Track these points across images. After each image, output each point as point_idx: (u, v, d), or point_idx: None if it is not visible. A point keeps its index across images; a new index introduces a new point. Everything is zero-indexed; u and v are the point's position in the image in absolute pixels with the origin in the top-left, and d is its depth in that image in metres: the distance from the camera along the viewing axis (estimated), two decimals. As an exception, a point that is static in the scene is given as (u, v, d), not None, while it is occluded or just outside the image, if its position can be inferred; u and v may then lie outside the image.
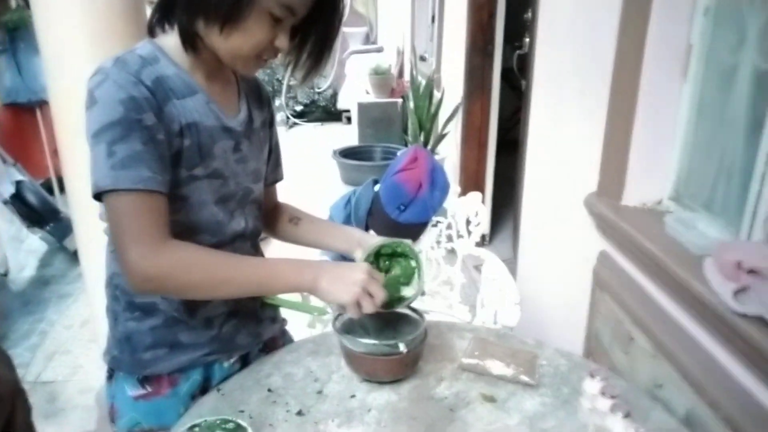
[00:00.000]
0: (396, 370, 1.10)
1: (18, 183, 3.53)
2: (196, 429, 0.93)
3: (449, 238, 2.09)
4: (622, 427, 0.92)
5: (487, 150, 3.60)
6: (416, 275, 1.12)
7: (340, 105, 7.16)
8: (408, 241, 1.13)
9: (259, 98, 1.15)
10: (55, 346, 2.82)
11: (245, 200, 1.10)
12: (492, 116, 3.54)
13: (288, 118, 7.29)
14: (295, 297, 1.42)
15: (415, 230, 1.86)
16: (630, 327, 1.39)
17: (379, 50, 6.69)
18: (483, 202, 2.06)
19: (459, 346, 1.22)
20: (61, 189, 3.86)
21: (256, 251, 1.19)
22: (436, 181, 1.81)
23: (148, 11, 1.97)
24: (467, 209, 2.01)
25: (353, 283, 0.98)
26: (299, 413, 1.02)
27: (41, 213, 3.62)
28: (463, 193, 2.10)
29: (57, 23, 1.77)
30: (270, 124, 1.19)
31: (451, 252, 2.09)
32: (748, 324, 0.99)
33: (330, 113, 7.42)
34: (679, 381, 1.17)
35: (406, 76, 5.58)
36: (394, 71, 5.63)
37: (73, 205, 1.99)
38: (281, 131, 1.21)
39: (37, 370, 2.63)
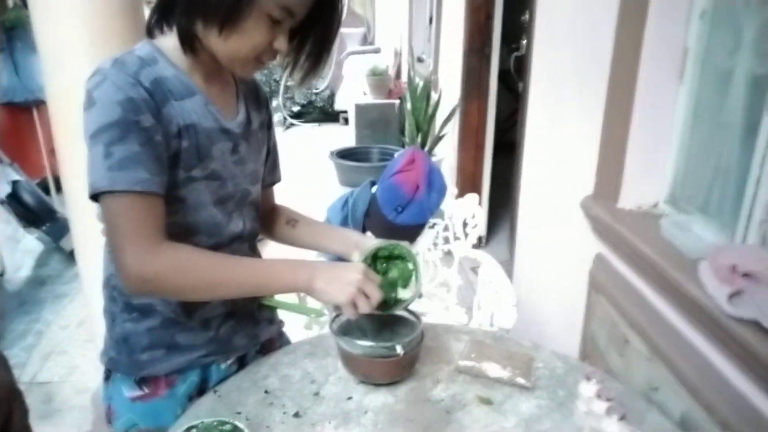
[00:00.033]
0: (393, 372, 1.10)
1: (14, 183, 3.52)
2: (193, 430, 0.93)
3: (446, 240, 2.10)
4: (617, 429, 0.92)
5: (484, 152, 3.61)
6: (413, 278, 1.12)
7: (338, 106, 7.16)
8: (405, 244, 1.13)
9: (258, 100, 1.16)
10: (51, 346, 2.82)
11: (243, 202, 1.10)
12: (489, 118, 3.54)
13: (285, 118, 7.29)
14: (292, 299, 1.42)
15: (412, 232, 1.86)
16: (626, 330, 1.40)
17: (377, 51, 6.70)
18: (480, 203, 2.06)
19: (456, 348, 1.22)
20: (58, 189, 3.86)
21: (254, 253, 1.19)
22: (434, 183, 1.81)
23: (146, 11, 1.98)
24: (464, 211, 2.02)
25: (349, 283, 0.98)
26: (296, 415, 1.03)
27: (37, 213, 3.61)
28: (460, 194, 2.11)
29: (55, 23, 1.77)
30: (268, 125, 1.19)
31: (448, 254, 2.10)
32: (742, 327, 0.99)
33: (327, 114, 7.41)
34: (675, 384, 1.18)
35: (404, 78, 5.57)
36: (392, 72, 5.64)
37: (70, 205, 1.99)
38: (278, 132, 1.21)
39: (33, 371, 2.63)
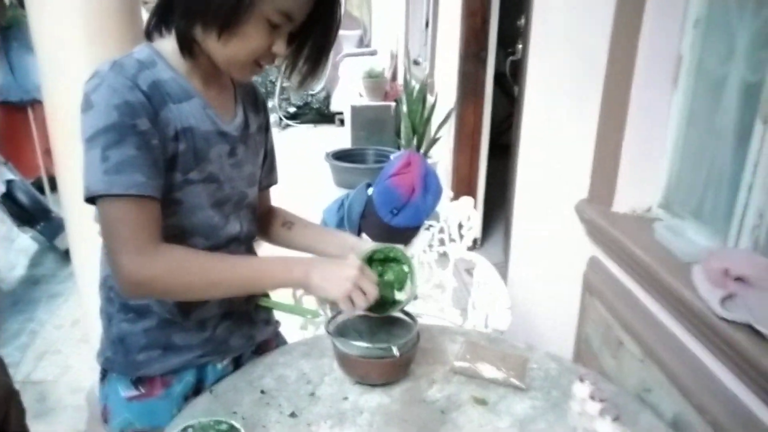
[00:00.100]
0: (388, 373, 1.11)
1: (9, 182, 3.51)
2: (190, 430, 0.93)
3: (441, 242, 2.11)
4: (610, 430, 0.93)
5: (479, 155, 3.62)
6: (409, 280, 1.13)
7: (334, 107, 7.15)
8: (400, 247, 1.14)
9: (255, 103, 1.16)
10: (46, 345, 2.81)
11: (240, 204, 1.11)
12: (485, 121, 3.56)
13: (281, 119, 7.29)
14: (288, 300, 1.43)
15: (407, 234, 1.87)
16: (619, 332, 1.41)
17: (373, 53, 6.71)
18: (475, 206, 2.07)
19: (451, 349, 1.23)
20: (52, 188, 3.84)
21: (251, 254, 1.19)
22: (429, 186, 1.83)
23: (143, 11, 1.98)
24: (459, 213, 2.03)
25: (345, 279, 0.98)
26: (292, 415, 1.03)
27: (32, 212, 3.60)
28: (456, 197, 2.12)
29: (52, 23, 1.76)
30: (266, 128, 1.20)
31: (443, 256, 2.11)
32: (734, 330, 1.01)
33: (323, 115, 7.41)
34: (667, 385, 1.19)
35: (400, 80, 5.59)
36: (388, 75, 5.64)
37: (65, 205, 1.99)
38: (274, 132, 1.21)
39: (27, 370, 2.62)
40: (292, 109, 7.45)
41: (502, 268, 2.30)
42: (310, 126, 7.37)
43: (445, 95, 3.85)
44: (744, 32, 1.20)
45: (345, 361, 1.11)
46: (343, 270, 1.00)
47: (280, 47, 0.95)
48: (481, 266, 1.87)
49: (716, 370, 1.10)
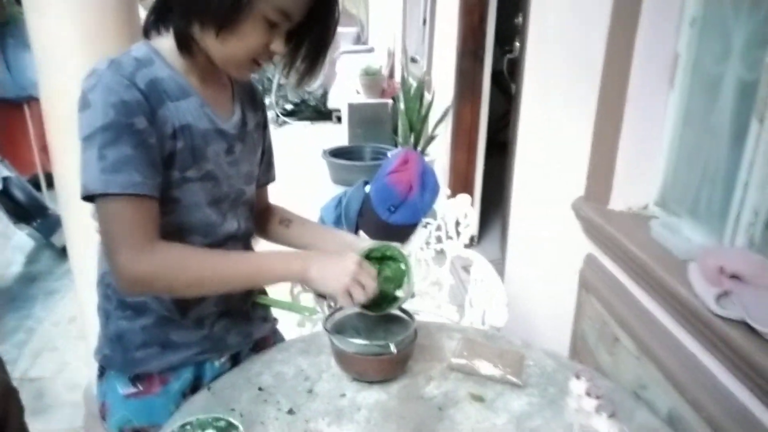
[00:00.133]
0: (386, 370, 1.11)
1: (5, 179, 3.50)
2: (188, 427, 0.94)
3: (438, 240, 2.11)
4: (606, 426, 0.94)
5: (476, 152, 3.62)
6: (406, 278, 1.13)
7: (331, 104, 7.15)
8: (397, 245, 1.14)
9: (253, 100, 1.16)
10: (42, 342, 2.81)
11: (238, 202, 1.11)
12: (482, 119, 3.56)
13: (278, 116, 7.28)
14: (285, 297, 1.43)
15: (405, 231, 1.88)
16: (615, 329, 1.41)
17: (370, 51, 6.70)
18: (472, 203, 2.08)
19: (448, 346, 1.23)
20: (49, 185, 3.84)
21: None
22: (427, 184, 1.83)
23: (140, 8, 1.97)
24: (456, 211, 2.03)
25: (344, 274, 0.99)
26: (290, 412, 1.04)
27: (28, 209, 3.60)
28: (453, 194, 2.12)
29: (49, 20, 1.76)
30: (264, 126, 1.20)
31: (440, 253, 2.11)
32: (729, 327, 1.01)
33: (320, 112, 7.40)
34: (663, 382, 1.19)
35: (397, 77, 5.59)
36: (385, 72, 5.65)
37: (63, 202, 1.99)
38: (270, 129, 1.22)
39: (24, 367, 2.62)
40: (288, 106, 7.44)
41: (499, 266, 2.30)
42: (307, 123, 7.37)
43: (443, 93, 3.85)
44: (740, 31, 1.20)
45: (342, 358, 1.11)
46: (342, 264, 1.00)
47: (278, 46, 0.96)
48: (478, 263, 1.87)
49: (711, 367, 1.10)
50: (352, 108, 4.85)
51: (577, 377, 1.02)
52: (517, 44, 2.79)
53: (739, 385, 1.03)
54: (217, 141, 1.03)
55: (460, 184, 3.60)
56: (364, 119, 4.82)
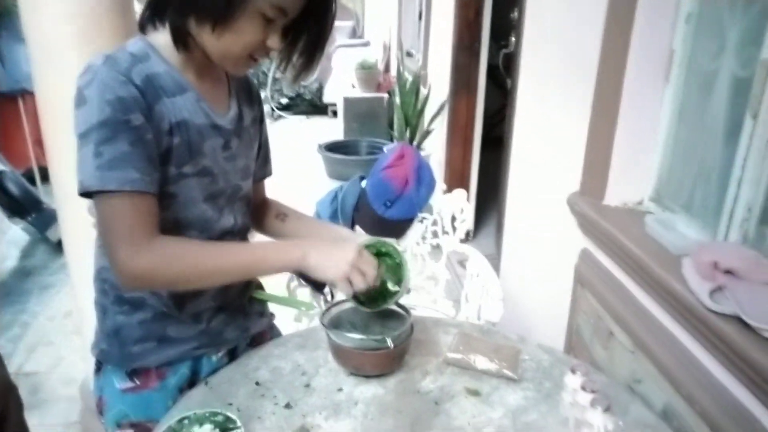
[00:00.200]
0: (383, 365, 1.12)
1: (-1, 173, 3.49)
2: (185, 422, 0.94)
3: (434, 234, 2.12)
4: (601, 420, 0.94)
5: (472, 147, 3.63)
6: (401, 274, 1.14)
7: (326, 98, 7.14)
8: (393, 241, 1.15)
9: (250, 95, 1.16)
10: (38, 337, 2.81)
11: (234, 197, 1.11)
12: (477, 114, 3.56)
13: (273, 110, 7.26)
14: (282, 292, 1.43)
15: (401, 226, 1.88)
16: (610, 323, 1.42)
17: (366, 44, 6.69)
18: (468, 198, 2.08)
19: (444, 341, 1.24)
20: (43, 179, 3.83)
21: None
22: (422, 178, 1.83)
23: (136, 3, 1.97)
24: (452, 206, 2.04)
25: (343, 261, 0.99)
26: (287, 406, 1.04)
27: (23, 203, 3.58)
28: (449, 189, 2.13)
29: (44, 14, 1.75)
30: (260, 120, 1.20)
31: (436, 248, 2.12)
32: (723, 322, 1.02)
33: (316, 106, 7.39)
34: (657, 376, 1.20)
35: (393, 72, 5.58)
36: (381, 66, 5.64)
37: (58, 196, 1.98)
38: (266, 123, 1.22)
39: (20, 362, 2.62)
40: (284, 100, 7.43)
41: (495, 261, 2.31)
42: (303, 117, 7.35)
43: (438, 87, 3.85)
44: (734, 28, 1.21)
45: (339, 353, 1.12)
46: (342, 252, 1.00)
47: (274, 41, 0.95)
48: (474, 258, 1.88)
49: (705, 361, 1.11)
50: (348, 102, 4.84)
51: (573, 372, 1.02)
52: (513, 39, 2.79)
53: (733, 380, 1.04)
54: (213, 136, 1.03)
55: (456, 179, 3.61)
56: (359, 113, 4.81)
